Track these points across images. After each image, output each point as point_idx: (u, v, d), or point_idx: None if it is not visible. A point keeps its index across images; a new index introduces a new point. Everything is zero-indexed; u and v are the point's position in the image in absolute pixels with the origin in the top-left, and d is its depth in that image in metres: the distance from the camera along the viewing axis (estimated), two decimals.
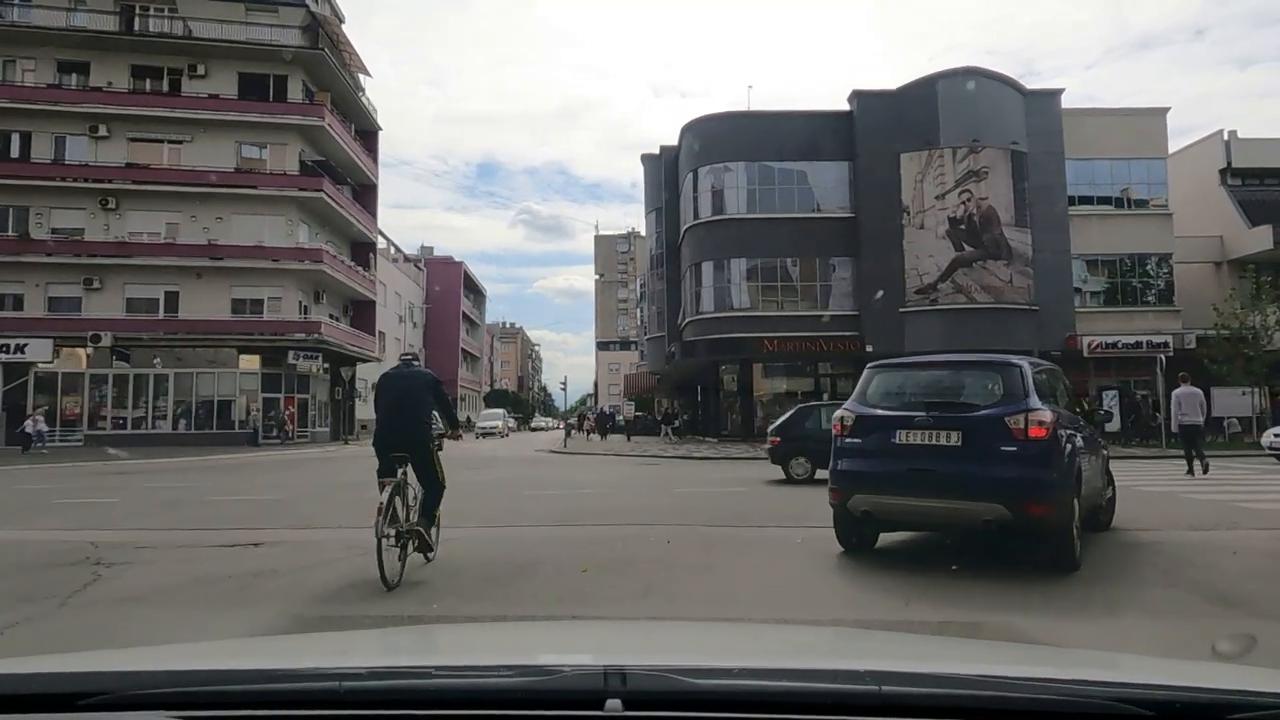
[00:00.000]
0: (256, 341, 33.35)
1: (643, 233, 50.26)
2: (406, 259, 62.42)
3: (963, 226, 29.68)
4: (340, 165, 38.25)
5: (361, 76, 41.86)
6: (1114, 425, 24.43)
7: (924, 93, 30.20)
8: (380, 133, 43.65)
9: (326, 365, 36.73)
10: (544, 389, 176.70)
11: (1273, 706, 1.14)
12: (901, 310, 29.77)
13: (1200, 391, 14.91)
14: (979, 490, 5.68)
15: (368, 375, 47.25)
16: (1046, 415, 5.76)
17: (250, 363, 33.58)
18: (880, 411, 6.32)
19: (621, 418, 52.57)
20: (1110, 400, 24.73)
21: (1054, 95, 31.21)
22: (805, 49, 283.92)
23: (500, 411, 53.76)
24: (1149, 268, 31.71)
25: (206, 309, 32.88)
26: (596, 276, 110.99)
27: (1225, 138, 34.22)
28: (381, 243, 54.86)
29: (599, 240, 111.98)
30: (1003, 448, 5.70)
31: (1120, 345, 30.45)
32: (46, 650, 3.81)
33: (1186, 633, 4.39)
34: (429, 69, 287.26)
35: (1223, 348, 24.51)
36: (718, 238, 31.47)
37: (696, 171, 32.29)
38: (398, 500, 5.85)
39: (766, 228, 30.84)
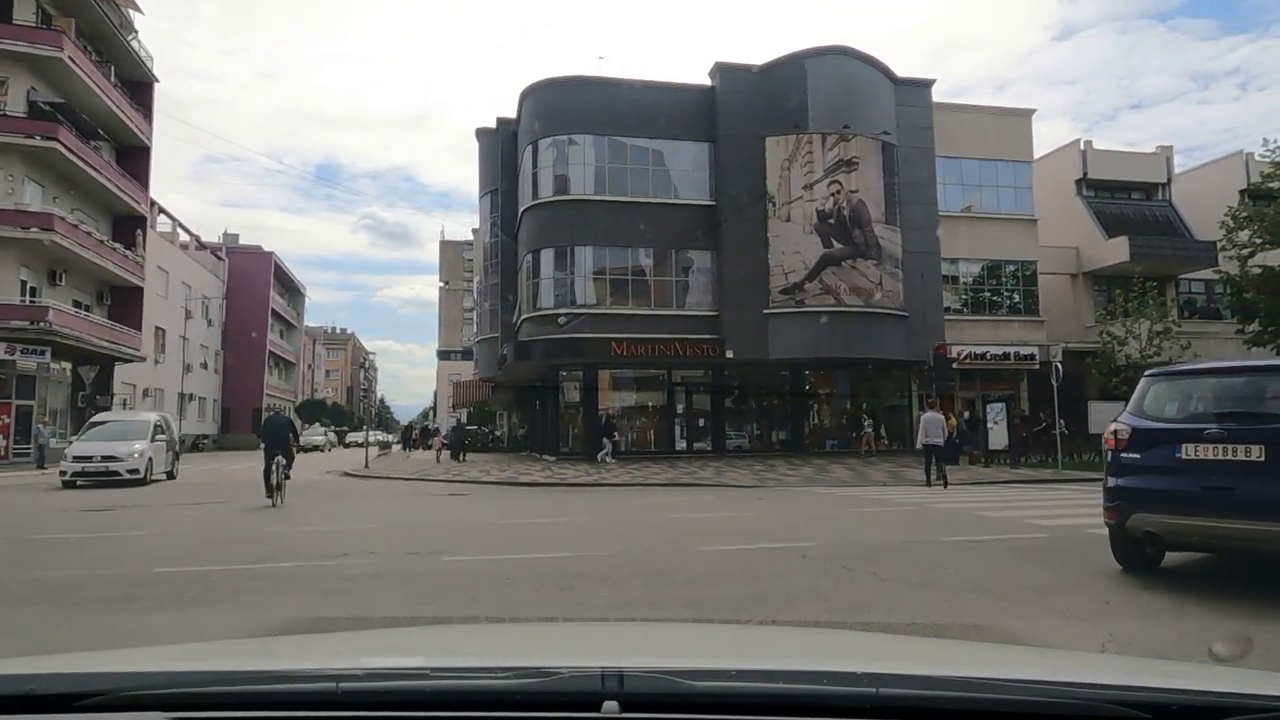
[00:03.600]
0: None
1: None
2: (202, 245, 53.72)
3: (832, 221, 26.74)
4: (93, 116, 30.70)
5: (132, 13, 34.29)
6: (1000, 441, 21.89)
7: (792, 71, 27.13)
8: (156, 86, 36.06)
9: (66, 365, 29.10)
10: (382, 401, 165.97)
11: (1269, 709, 1.14)
12: (765, 312, 26.39)
13: (942, 417, 17.67)
14: None
15: (137, 379, 39.10)
16: None
17: None
18: (1162, 424, 5.92)
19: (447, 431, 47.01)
20: (996, 414, 22.17)
21: (925, 86, 29.07)
22: (666, 18, 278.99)
23: (321, 429, 54.52)
24: (1015, 276, 30.18)
25: None
26: (441, 284, 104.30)
27: (1082, 147, 33.59)
28: (165, 223, 46.43)
29: (444, 246, 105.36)
30: None
31: (989, 356, 28.56)
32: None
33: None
34: (264, 60, 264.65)
35: (1106, 360, 22.61)
36: (560, 221, 26.94)
37: (537, 144, 27.66)
38: (273, 471, 12.95)
39: (617, 213, 26.64)
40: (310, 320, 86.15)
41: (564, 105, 27.33)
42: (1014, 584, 5.76)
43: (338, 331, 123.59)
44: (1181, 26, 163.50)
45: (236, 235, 60.66)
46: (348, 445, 54.75)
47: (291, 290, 70.23)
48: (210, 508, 12.84)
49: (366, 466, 24.92)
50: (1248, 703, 1.16)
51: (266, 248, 61.35)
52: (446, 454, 30.37)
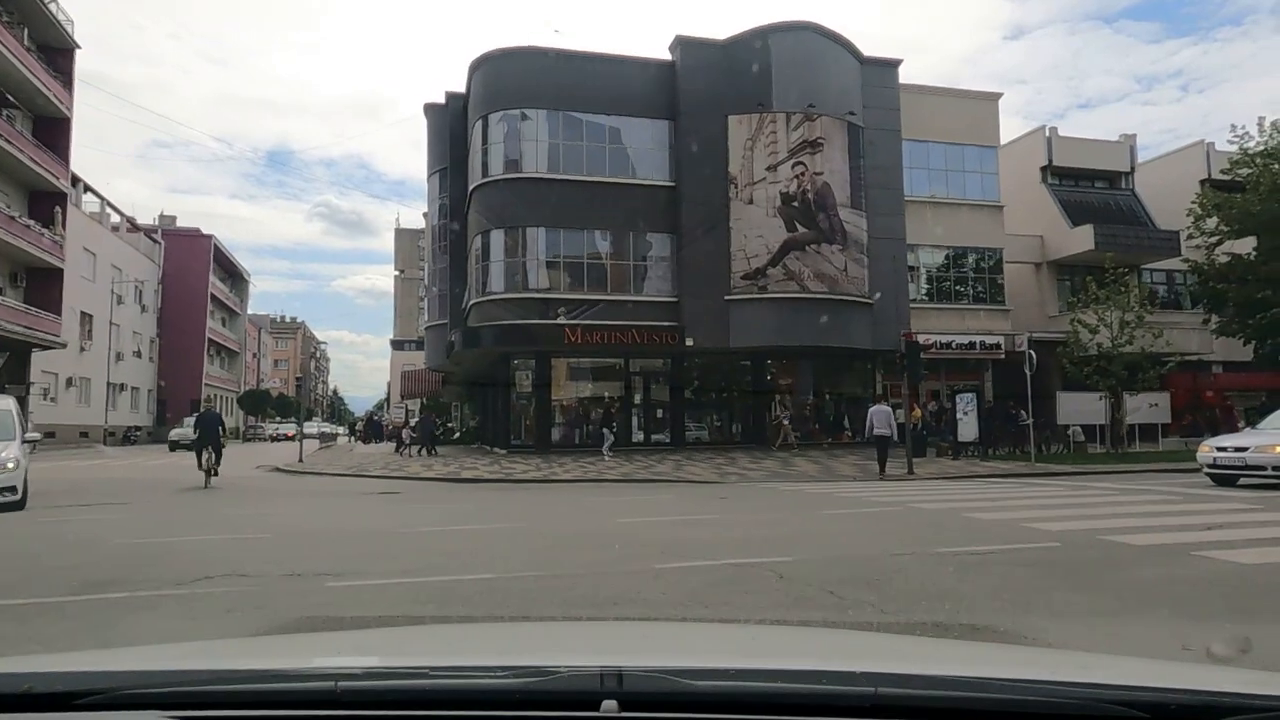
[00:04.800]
0: None
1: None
2: (136, 227, 50.85)
3: (796, 204, 25.62)
4: (3, 82, 28.27)
5: None
6: (970, 432, 21.03)
7: (756, 47, 25.89)
8: (78, 52, 33.53)
9: None
10: (335, 393, 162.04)
11: (1268, 709, 1.14)
12: (727, 298, 25.20)
13: (890, 410, 18.21)
14: None
15: (59, 367, 36.59)
16: None
17: None
18: None
19: (390, 424, 45.23)
20: (966, 404, 21.29)
21: (892, 66, 28.07)
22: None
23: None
24: (981, 263, 29.45)
25: None
26: (396, 273, 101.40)
27: (1047, 134, 32.99)
28: (93, 203, 43.68)
29: (399, 234, 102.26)
30: None
31: (954, 346, 27.79)
32: None
33: None
34: (214, 44, 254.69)
35: (1077, 349, 21.87)
36: (511, 201, 25.41)
37: (487, 118, 26.05)
38: (204, 458, 15.26)
39: (571, 192, 25.20)
40: (263, 309, 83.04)
41: (516, 78, 25.76)
42: (1053, 613, 4.58)
43: (287, 320, 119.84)
44: (1127, 29, 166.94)
45: (174, 218, 57.65)
46: (274, 439, 52.37)
47: (234, 276, 67.30)
48: (68, 511, 10.98)
49: (300, 461, 23.20)
50: (1247, 702, 1.15)
51: (206, 231, 58.43)
52: (417, 449, 28.14)
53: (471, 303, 26.61)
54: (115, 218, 47.44)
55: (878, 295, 25.83)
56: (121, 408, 45.34)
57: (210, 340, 58.47)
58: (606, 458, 22.29)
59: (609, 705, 1.13)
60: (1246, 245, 25.63)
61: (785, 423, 25.40)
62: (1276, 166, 24.39)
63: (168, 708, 1.18)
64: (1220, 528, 7.67)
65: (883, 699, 1.16)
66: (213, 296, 58.37)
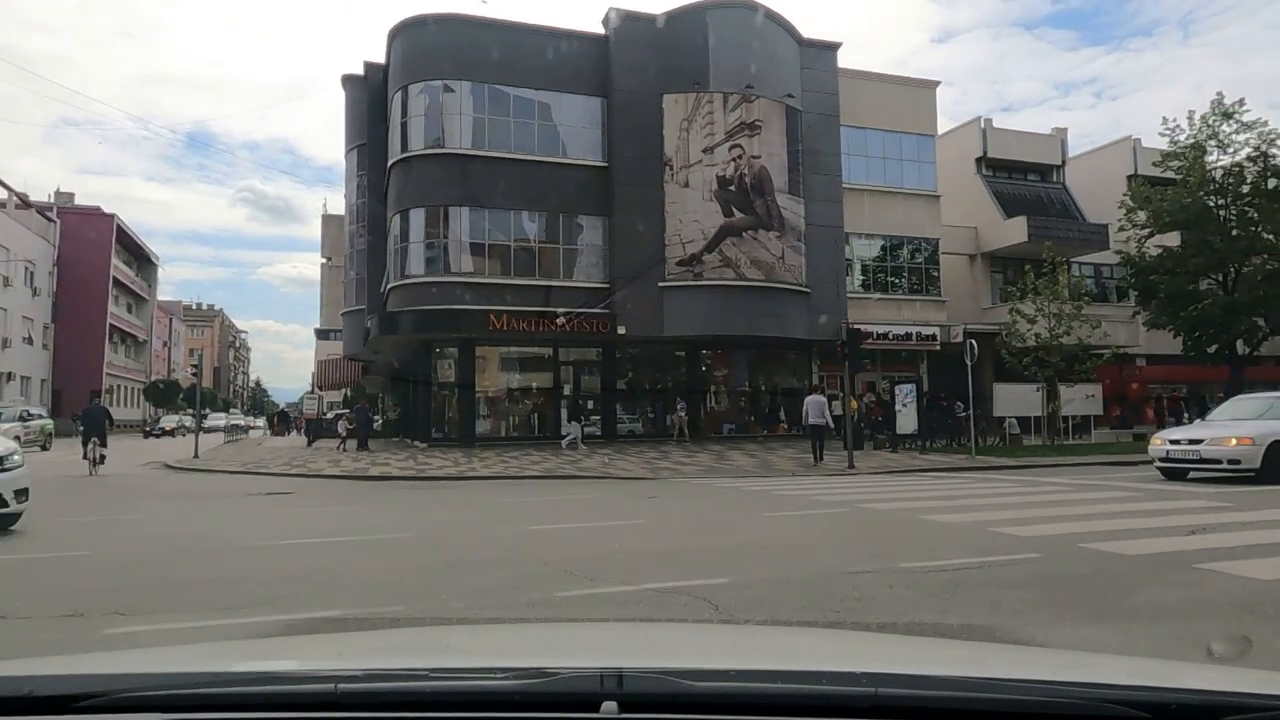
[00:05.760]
0: None
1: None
2: (25, 204, 46.99)
3: (733, 188, 24.66)
4: None
5: None
6: (908, 425, 20.40)
7: (693, 23, 24.79)
8: None
9: None
10: (258, 384, 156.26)
11: (1268, 708, 1.13)
12: (661, 285, 24.10)
13: (825, 400, 18.84)
14: None
15: None
16: None
17: None
18: None
19: (299, 417, 42.93)
20: (905, 395, 20.65)
21: (831, 50, 27.30)
22: None
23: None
24: (917, 254, 29.05)
25: None
26: (323, 260, 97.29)
27: (982, 126, 32.83)
28: None
29: (327, 220, 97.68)
30: None
31: (891, 336, 27.27)
32: None
33: None
34: (126, 18, 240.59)
35: (1015, 339, 21.47)
36: (432, 177, 23.77)
37: (407, 89, 24.31)
38: (91, 448, 16.33)
39: (498, 170, 23.71)
40: (183, 297, 78.42)
41: (438, 47, 24.09)
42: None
43: (203, 308, 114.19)
44: (1047, 36, 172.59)
45: (71, 194, 53.60)
46: (208, 430, 49.05)
47: (141, 259, 63.21)
48: None
49: (196, 456, 21.21)
50: (1247, 702, 1.15)
51: (120, 213, 54.55)
52: (354, 445, 25.51)
53: (390, 286, 24.88)
54: (2, 194, 43.71)
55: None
56: (10, 398, 41.82)
57: (113, 327, 54.65)
58: (581, 449, 21.48)
59: (609, 706, 1.13)
60: (1176, 238, 25.76)
61: (681, 414, 24.23)
62: (1205, 159, 24.52)
63: (167, 710, 1.18)
64: (1205, 531, 6.87)
65: (883, 699, 1.16)
66: (116, 280, 54.50)
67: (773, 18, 25.65)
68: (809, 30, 26.46)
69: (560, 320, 23.14)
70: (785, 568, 5.77)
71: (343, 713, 1.19)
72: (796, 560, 6.16)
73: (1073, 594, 4.70)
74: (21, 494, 8.04)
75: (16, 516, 8.04)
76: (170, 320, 78.39)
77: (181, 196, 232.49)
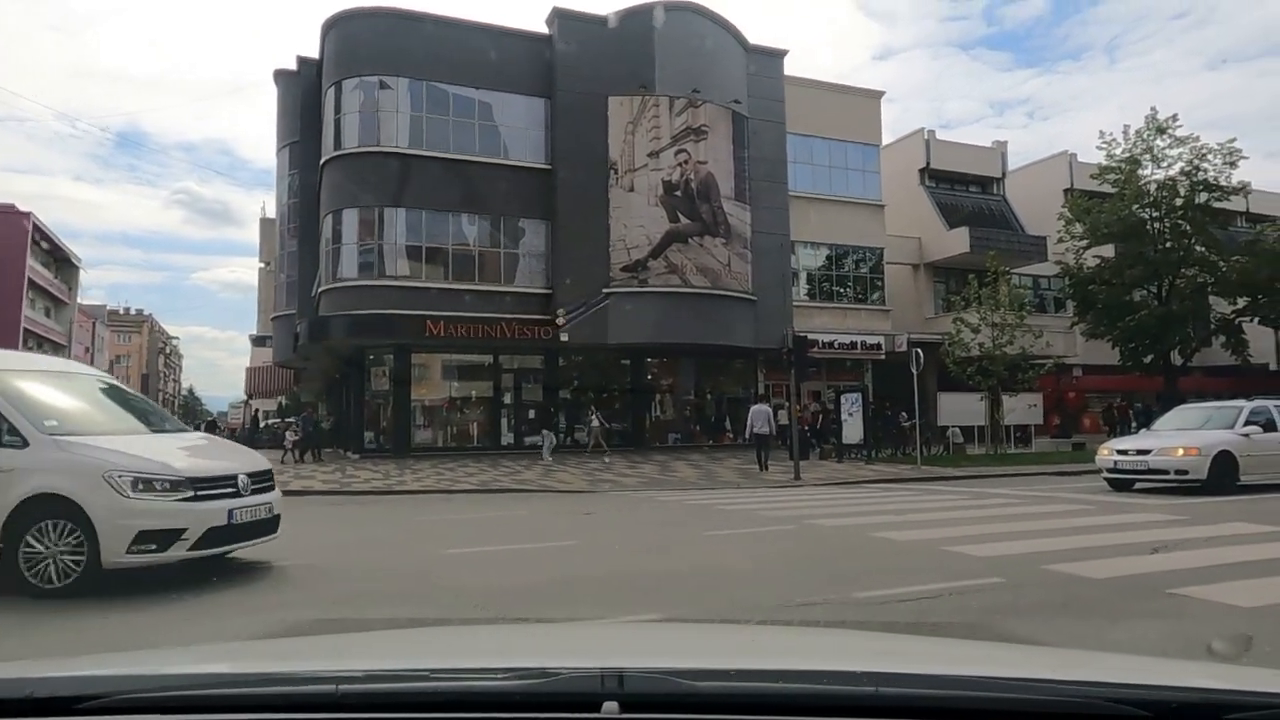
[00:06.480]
0: None
1: None
2: None
3: (679, 193, 24.23)
4: None
5: None
6: (855, 434, 20.13)
7: (639, 25, 24.32)
8: None
9: None
10: (191, 391, 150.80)
11: (1268, 706, 1.13)
12: (605, 290, 23.50)
13: (769, 409, 19.41)
14: None
15: None
16: None
17: None
18: None
19: (225, 428, 41.29)
20: (852, 404, 20.39)
21: (777, 57, 27.15)
22: None
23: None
24: (862, 263, 29.03)
25: None
26: (261, 265, 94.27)
27: (926, 137, 33.09)
28: None
29: (265, 224, 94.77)
30: None
31: (836, 345, 27.13)
32: None
33: None
34: (55, 10, 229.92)
35: (960, 348, 21.41)
36: (367, 177, 22.78)
37: (340, 85, 23.32)
38: None
39: (436, 171, 22.89)
40: (110, 301, 74.79)
41: (374, 42, 23.18)
42: None
43: (130, 312, 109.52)
44: (983, 57, 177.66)
45: None
46: None
47: (61, 260, 60.13)
48: None
49: None
50: (1248, 700, 1.15)
51: (40, 213, 51.66)
52: (301, 453, 24.01)
53: (321, 290, 23.79)
54: None
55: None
56: None
57: (28, 331, 51.72)
58: (548, 460, 20.75)
59: (610, 706, 1.13)
60: (1113, 250, 26.18)
61: (595, 424, 23.12)
62: (1140, 173, 24.97)
63: (167, 711, 1.18)
64: (1168, 549, 6.51)
65: (884, 698, 1.17)
66: (31, 282, 51.67)
67: (719, 22, 25.36)
68: (752, 42, 26.15)
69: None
70: (726, 599, 5.19)
71: (344, 713, 1.18)
72: (739, 589, 5.57)
73: (1046, 627, 4.21)
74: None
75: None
76: (94, 325, 74.88)
77: (111, 197, 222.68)
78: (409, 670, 1.41)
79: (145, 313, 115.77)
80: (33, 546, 5.28)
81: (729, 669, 1.38)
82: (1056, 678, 1.29)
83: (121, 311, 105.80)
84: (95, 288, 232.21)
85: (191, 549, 5.58)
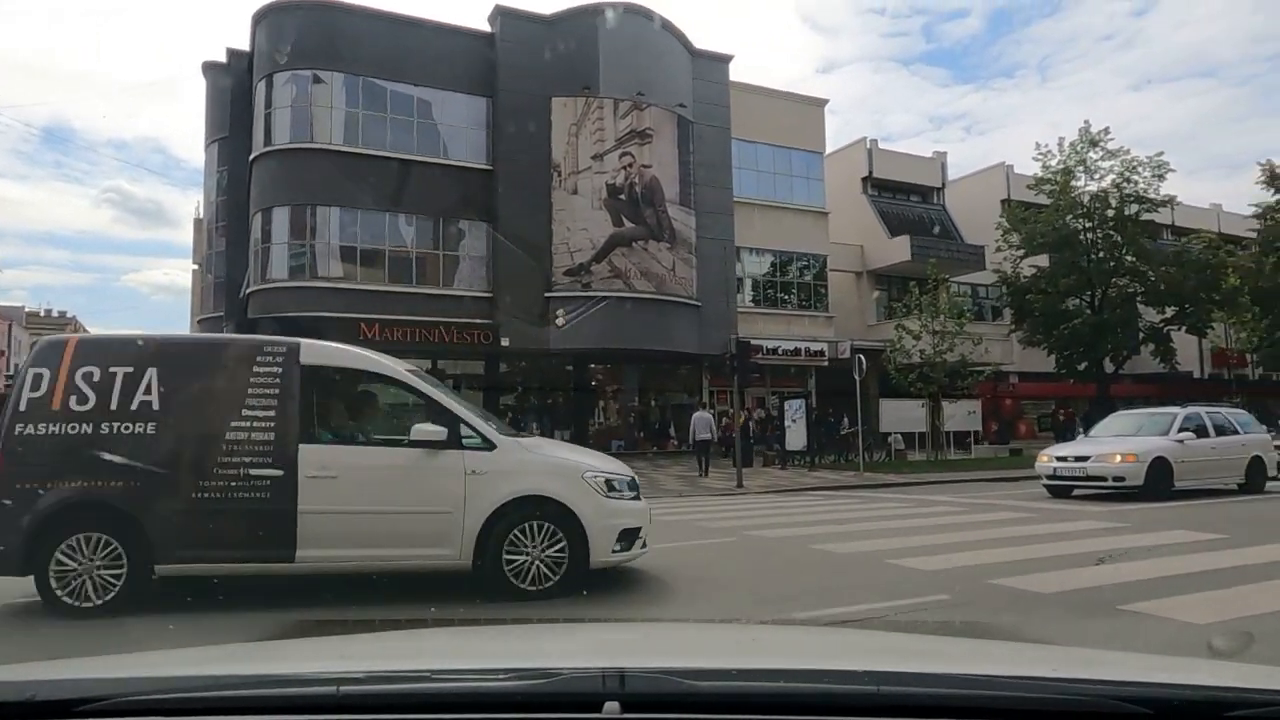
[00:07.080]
0: None
1: None
2: None
3: (623, 197, 23.91)
4: None
5: None
6: (798, 441, 20.03)
7: (583, 25, 23.98)
8: None
9: None
10: None
11: (1269, 704, 1.12)
12: (547, 295, 23.04)
13: (710, 416, 20.06)
14: None
15: None
16: None
17: None
18: None
19: None
20: (795, 411, 20.30)
21: (723, 61, 27.07)
22: None
23: None
24: (806, 270, 29.10)
25: None
26: (195, 266, 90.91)
27: (868, 145, 33.42)
28: None
29: (199, 225, 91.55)
30: None
31: (780, 351, 27.10)
32: None
33: None
34: None
35: (901, 355, 21.53)
36: (299, 175, 21.95)
37: (272, 78, 22.43)
38: None
39: (372, 170, 22.16)
40: (33, 303, 71.12)
41: (307, 34, 22.36)
42: None
43: (53, 314, 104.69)
44: (921, 72, 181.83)
45: None
46: None
47: None
48: None
49: None
50: (1249, 698, 1.14)
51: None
52: None
53: (249, 291, 22.81)
54: None
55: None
56: None
57: None
58: None
59: (611, 706, 1.12)
60: (1048, 260, 26.72)
61: (535, 431, 22.85)
62: (1074, 184, 25.54)
63: (168, 714, 1.18)
64: (1113, 560, 6.38)
65: (885, 697, 1.16)
66: None
67: (665, 25, 25.16)
68: (698, 46, 26.04)
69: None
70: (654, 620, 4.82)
71: (345, 714, 1.18)
72: (666, 612, 5.21)
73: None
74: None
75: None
76: (9, 327, 71.34)
77: (36, 195, 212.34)
78: (410, 671, 1.40)
79: (69, 315, 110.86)
80: (515, 550, 5.28)
81: (730, 668, 1.38)
82: (1058, 676, 1.29)
83: (43, 314, 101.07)
84: (17, 288, 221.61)
85: (644, 546, 5.77)
